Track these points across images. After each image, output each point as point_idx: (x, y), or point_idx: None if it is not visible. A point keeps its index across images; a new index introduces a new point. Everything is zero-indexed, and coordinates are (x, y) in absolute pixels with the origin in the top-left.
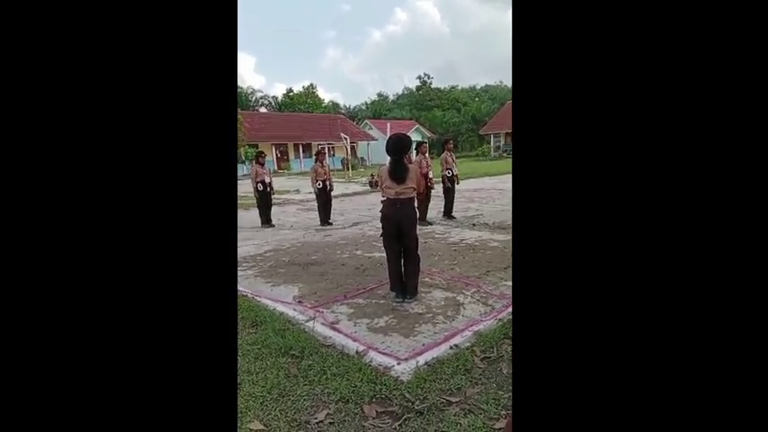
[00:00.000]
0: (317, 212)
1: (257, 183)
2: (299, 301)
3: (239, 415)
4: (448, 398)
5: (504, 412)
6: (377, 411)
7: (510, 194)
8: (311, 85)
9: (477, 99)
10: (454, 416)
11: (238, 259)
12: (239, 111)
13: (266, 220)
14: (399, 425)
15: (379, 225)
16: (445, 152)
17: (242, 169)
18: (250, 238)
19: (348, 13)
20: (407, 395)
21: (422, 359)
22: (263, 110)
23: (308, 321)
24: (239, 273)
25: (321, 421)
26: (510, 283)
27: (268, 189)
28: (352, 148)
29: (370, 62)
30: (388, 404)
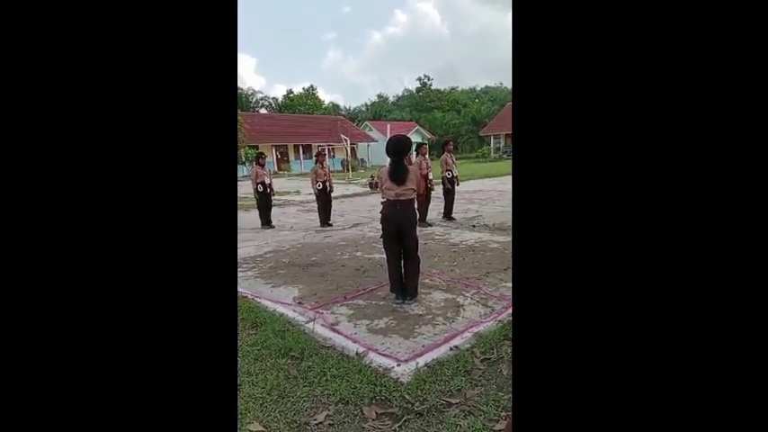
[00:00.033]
0: (317, 214)
1: (257, 184)
2: (299, 303)
3: (239, 416)
4: (448, 399)
5: (503, 414)
6: (377, 413)
7: (510, 196)
8: (311, 86)
9: (477, 100)
10: (454, 417)
11: (238, 260)
12: (240, 112)
13: (266, 222)
14: (399, 426)
15: (379, 226)
16: (445, 153)
17: (242, 170)
18: (250, 239)
19: (348, 14)
20: (407, 396)
21: (422, 360)
22: (263, 111)
23: (307, 323)
24: (239, 274)
25: (321, 423)
26: (510, 285)
27: (268, 190)
28: (353, 150)
29: (371, 64)
30: (388, 405)
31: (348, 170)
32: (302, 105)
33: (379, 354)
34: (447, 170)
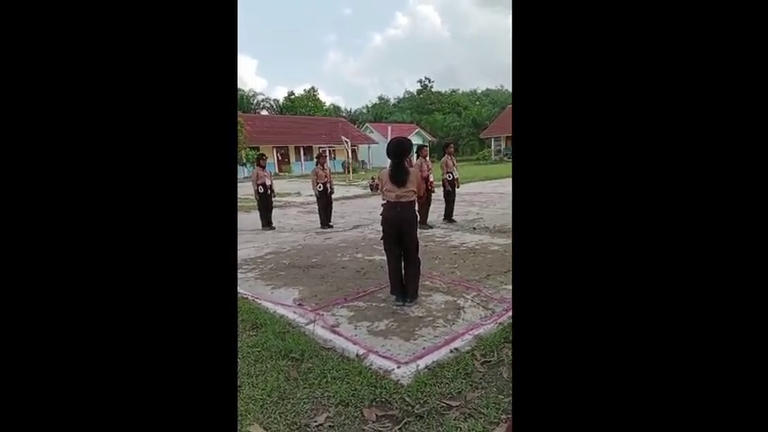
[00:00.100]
0: (318, 215)
1: (258, 185)
2: (300, 304)
3: (239, 418)
4: (448, 402)
5: (504, 416)
6: (377, 415)
7: (510, 198)
8: (312, 88)
9: (477, 103)
10: (454, 420)
11: (239, 262)
12: (241, 113)
13: (267, 223)
14: (399, 429)
15: (380, 228)
16: (446, 156)
17: (243, 172)
18: (250, 241)
19: (349, 16)
20: (407, 399)
21: (422, 363)
22: (264, 113)
23: (308, 324)
24: (239, 275)
25: (321, 424)
26: (510, 287)
27: (269, 192)
28: (353, 152)
29: (371, 66)
30: (388, 408)
31: (349, 172)
32: (303, 107)
33: (380, 356)
34: (447, 172)
